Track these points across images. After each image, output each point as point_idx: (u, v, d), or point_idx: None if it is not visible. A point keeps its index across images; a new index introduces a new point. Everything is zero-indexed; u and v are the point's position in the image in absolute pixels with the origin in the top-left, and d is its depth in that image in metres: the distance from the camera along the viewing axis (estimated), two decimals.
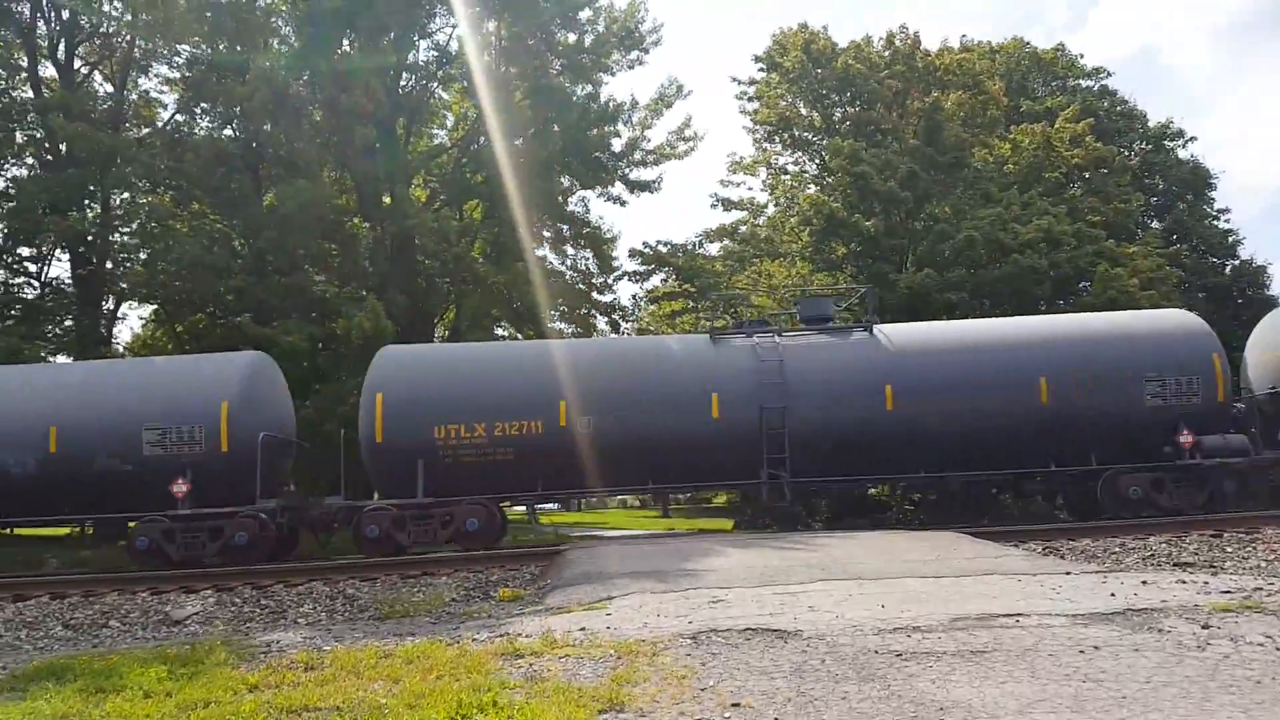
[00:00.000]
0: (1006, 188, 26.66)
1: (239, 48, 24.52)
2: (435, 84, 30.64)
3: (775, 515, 17.86)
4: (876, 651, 5.88)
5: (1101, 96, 38.41)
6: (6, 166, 27.33)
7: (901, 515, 23.34)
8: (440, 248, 24.83)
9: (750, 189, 34.99)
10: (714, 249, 32.17)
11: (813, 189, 29.91)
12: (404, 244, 25.96)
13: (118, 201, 24.88)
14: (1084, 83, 39.00)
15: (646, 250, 30.10)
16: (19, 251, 26.97)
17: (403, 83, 28.64)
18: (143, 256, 23.89)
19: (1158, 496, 15.52)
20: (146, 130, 26.72)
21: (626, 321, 31.04)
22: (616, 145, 29.39)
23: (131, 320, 36.20)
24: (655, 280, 30.69)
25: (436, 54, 29.37)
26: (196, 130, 24.87)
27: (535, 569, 12.62)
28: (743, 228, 31.80)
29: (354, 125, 23.21)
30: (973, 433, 15.72)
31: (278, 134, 24.85)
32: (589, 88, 28.27)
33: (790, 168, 31.56)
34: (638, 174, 30.07)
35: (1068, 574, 9.31)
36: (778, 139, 30.75)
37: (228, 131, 24.86)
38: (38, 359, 21.11)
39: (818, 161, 30.65)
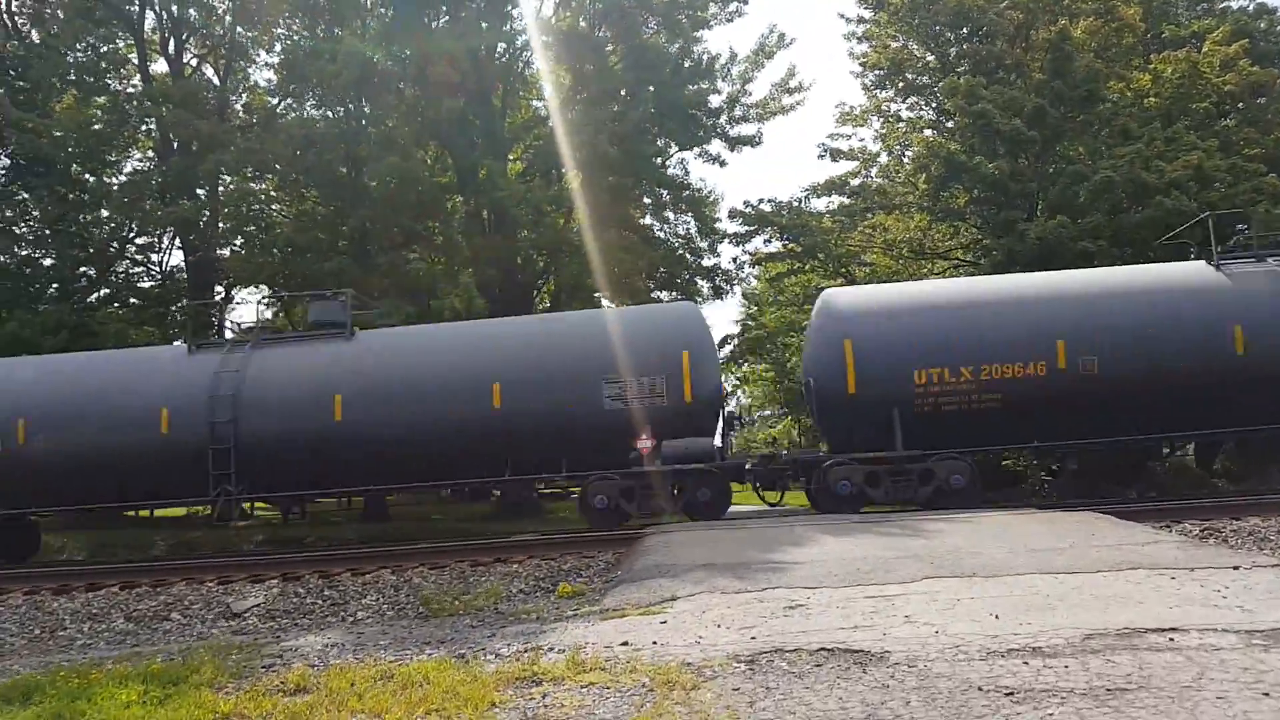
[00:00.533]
0: (1147, 123, 23.76)
1: (336, 30, 24.26)
2: (530, 53, 29.77)
3: None
4: (980, 688, 4.49)
5: (1257, 16, 34.12)
6: (124, 160, 28.02)
7: (1037, 487, 21.27)
8: (534, 219, 24.01)
9: (862, 140, 32.89)
10: (821, 205, 30.26)
11: (929, 134, 27.57)
12: (499, 217, 25.25)
13: (222, 188, 25.04)
14: (1235, 2, 34.80)
15: (748, 209, 28.48)
16: (137, 241, 27.71)
17: (497, 54, 27.88)
18: (240, 241, 24.02)
19: None
20: (247, 117, 26.84)
21: (730, 286, 29.54)
22: (714, 101, 27.86)
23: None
24: (758, 241, 29.04)
25: (530, 22, 28.50)
26: (290, 114, 24.73)
27: (614, 556, 11.56)
28: (854, 180, 29.71)
29: (442, 98, 22.53)
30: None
31: (370, 112, 24.52)
32: (682, 42, 26.77)
33: (904, 114, 29.27)
34: (738, 130, 28.47)
35: (1235, 568, 7.56)
36: (889, 85, 28.51)
37: (318, 112, 24.65)
38: (144, 343, 21.35)
39: (934, 105, 28.24)
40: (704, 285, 29.65)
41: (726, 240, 30.09)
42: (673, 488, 14.14)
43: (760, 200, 29.08)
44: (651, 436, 14.02)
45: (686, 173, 29.73)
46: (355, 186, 22.93)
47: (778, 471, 15.04)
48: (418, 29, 24.02)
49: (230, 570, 12.78)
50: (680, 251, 29.55)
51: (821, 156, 30.28)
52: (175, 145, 26.37)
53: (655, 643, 5.97)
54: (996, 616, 6.04)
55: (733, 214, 29.29)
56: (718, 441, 14.77)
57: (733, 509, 24.85)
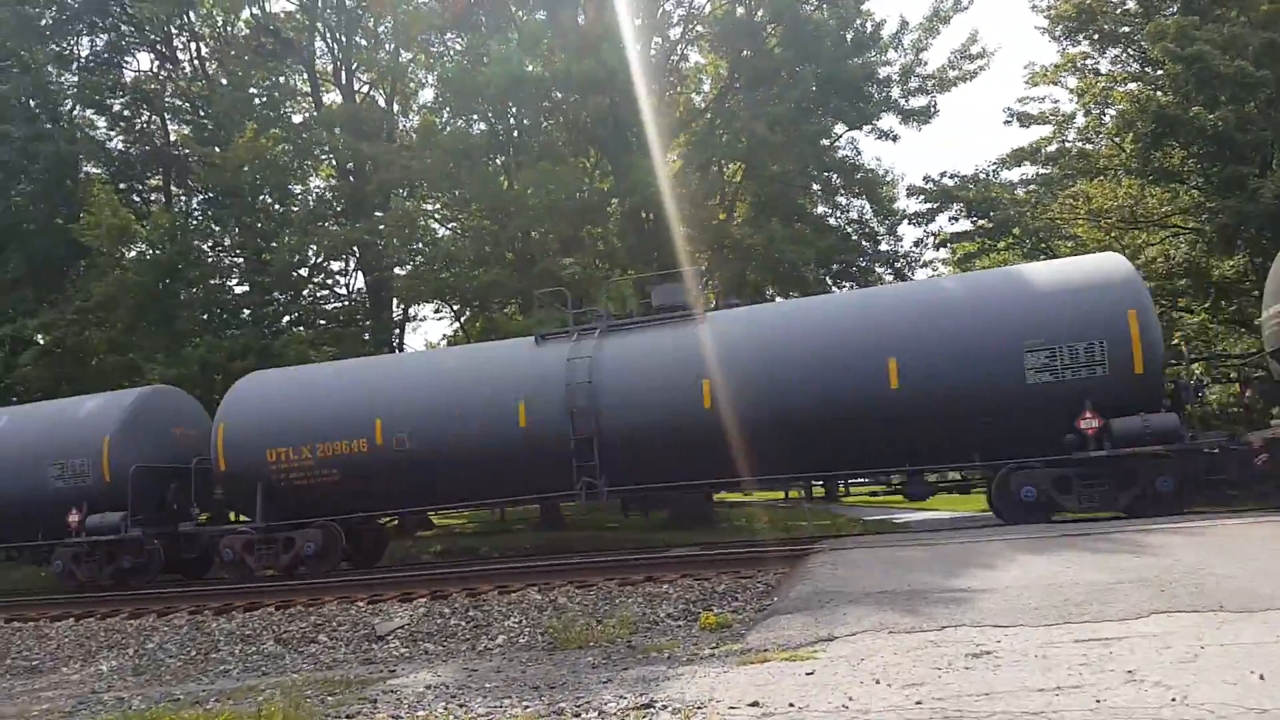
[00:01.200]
0: None
1: (488, 42, 24.27)
2: (685, 45, 28.86)
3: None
4: None
5: None
6: (306, 187, 29.30)
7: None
8: (690, 213, 23.01)
9: (1055, 101, 29.73)
10: (1013, 176, 27.50)
11: (1133, 87, 24.37)
12: (656, 215, 24.41)
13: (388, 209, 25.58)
14: None
15: (929, 185, 26.22)
16: (325, 265, 28.86)
17: (652, 51, 27.12)
18: (408, 258, 24.40)
19: None
20: (410, 136, 27.36)
21: (913, 270, 27.34)
22: (884, 73, 25.88)
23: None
24: (942, 220, 26.70)
25: (685, 13, 27.61)
26: (448, 129, 24.92)
27: (774, 577, 10.27)
28: (1048, 147, 26.80)
29: (589, 95, 21.94)
30: None
31: (525, 122, 24.35)
32: (843, 13, 25.00)
33: (1103, 68, 26.08)
34: (912, 103, 26.31)
35: None
36: (1083, 37, 25.50)
37: (474, 126, 24.72)
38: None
39: (1137, 54, 24.98)
40: (883, 272, 27.64)
41: (906, 221, 27.96)
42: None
43: (942, 175, 26.74)
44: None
45: (858, 152, 27.88)
46: (513, 196, 22.73)
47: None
48: (567, 29, 23.57)
49: (383, 588, 12.44)
50: (855, 238, 27.66)
51: (1008, 122, 27.54)
52: (350, 170, 27.22)
53: (793, 705, 4.72)
54: (1261, 676, 4.40)
55: (911, 191, 27.15)
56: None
57: (922, 515, 22.99)
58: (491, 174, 23.36)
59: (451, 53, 26.30)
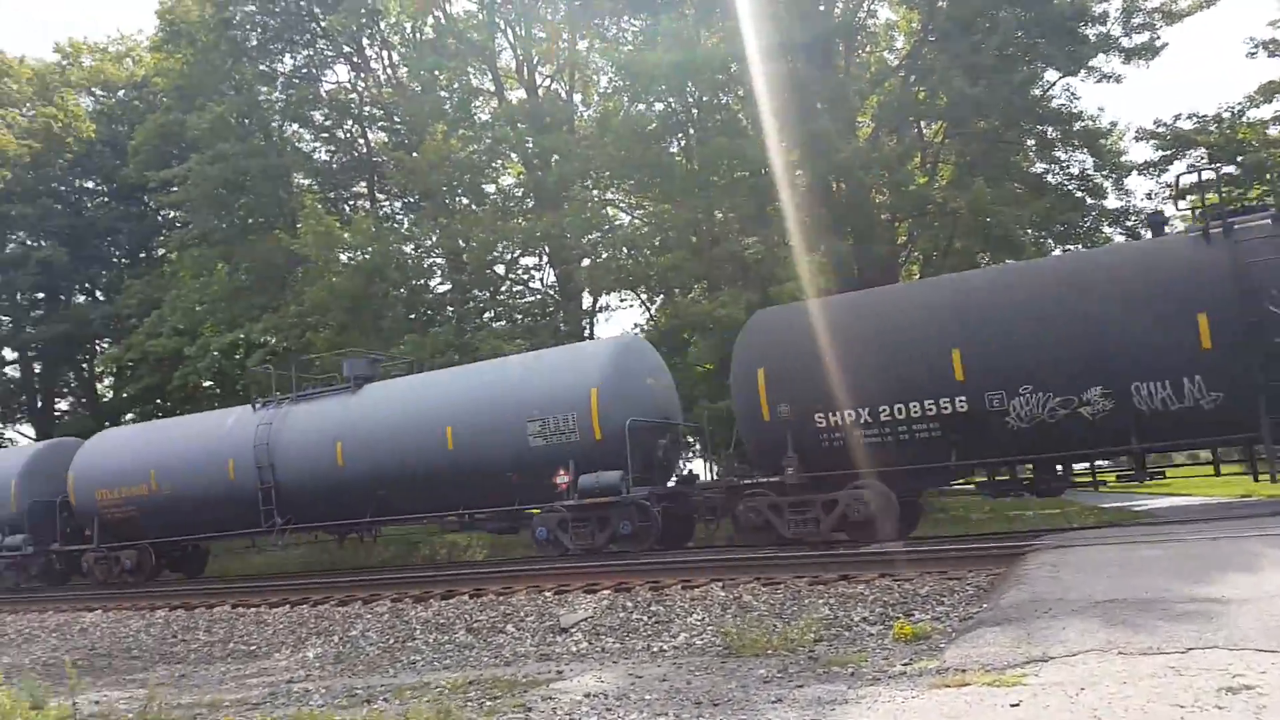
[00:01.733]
0: None
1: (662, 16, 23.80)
2: (873, 1, 27.18)
3: None
4: None
5: None
6: (496, 184, 30.03)
7: None
8: (884, 180, 21.62)
9: None
10: (1265, 114, 23.91)
11: None
12: (848, 184, 23.13)
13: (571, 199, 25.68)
14: None
15: (1162, 130, 23.28)
16: (521, 261, 29.54)
17: (837, 9, 25.73)
18: (590, 247, 24.40)
19: None
20: (588, 125, 27.41)
21: (1146, 228, 24.33)
22: (1099, 9, 23.20)
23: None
24: (1180, 167, 23.60)
25: None
26: (622, 113, 24.69)
27: (986, 579, 9.14)
28: None
29: (768, 64, 21.00)
30: None
31: (704, 100, 23.70)
32: None
33: None
34: (1135, 40, 23.42)
35: None
36: None
37: (651, 108, 24.33)
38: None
39: None
40: (1112, 231, 24.89)
41: (1135, 173, 24.99)
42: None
43: (1176, 117, 23.69)
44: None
45: (1075, 100, 25.18)
46: (690, 176, 22.21)
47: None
48: None
49: (570, 578, 12.26)
50: (1079, 194, 25.01)
51: (1253, 54, 24.00)
52: (535, 164, 27.60)
53: None
54: None
55: (1141, 136, 24.22)
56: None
57: (1177, 502, 20.36)
58: (669, 156, 22.90)
59: (627, 35, 26.04)
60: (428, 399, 16.21)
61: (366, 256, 24.75)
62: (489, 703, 6.37)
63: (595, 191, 26.11)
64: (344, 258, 25.09)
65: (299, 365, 25.99)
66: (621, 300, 27.41)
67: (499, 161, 29.33)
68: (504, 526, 16.03)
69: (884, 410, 12.14)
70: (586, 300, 28.01)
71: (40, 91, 34.97)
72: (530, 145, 26.68)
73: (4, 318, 34.59)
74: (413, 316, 25.98)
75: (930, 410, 11.86)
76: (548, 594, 11.49)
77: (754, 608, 9.53)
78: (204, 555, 21.45)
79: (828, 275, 22.15)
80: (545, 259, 28.25)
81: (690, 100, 23.44)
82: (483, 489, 15.12)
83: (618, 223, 25.25)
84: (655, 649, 8.51)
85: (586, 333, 26.97)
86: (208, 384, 29.71)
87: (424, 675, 8.63)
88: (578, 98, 28.91)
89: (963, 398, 11.67)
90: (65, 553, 19.62)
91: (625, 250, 23.33)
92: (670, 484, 14.88)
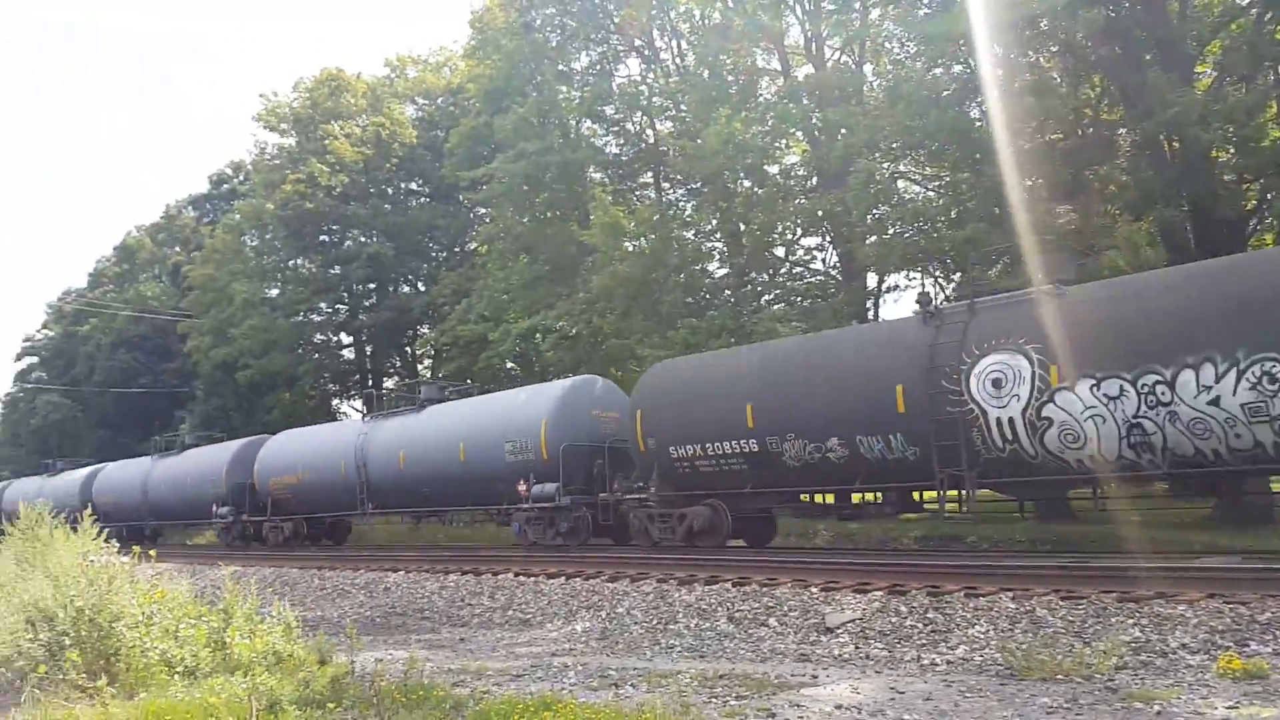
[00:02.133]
0: None
1: None
2: None
3: None
4: None
5: None
6: (780, 164, 29.48)
7: None
8: (1229, 136, 18.53)
9: None
10: None
11: None
12: (1182, 141, 20.11)
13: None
14: None
15: None
16: (801, 242, 28.87)
17: None
18: (874, 223, 23.09)
19: None
20: (876, 95, 26.04)
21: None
22: None
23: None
24: None
25: None
26: (913, 78, 23.06)
27: None
28: None
29: (1084, 6, 18.66)
30: None
31: (1008, 56, 21.56)
32: None
33: None
34: None
35: None
36: None
37: (941, 71, 22.52)
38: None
39: None
40: None
41: None
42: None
43: None
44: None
45: None
46: (987, 144, 20.29)
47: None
48: None
49: (840, 574, 11.58)
50: None
51: None
52: (820, 140, 26.71)
53: None
54: None
55: None
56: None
57: None
58: (967, 120, 21.06)
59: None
60: (451, 421, 20.09)
61: (648, 244, 25.20)
62: (733, 702, 5.98)
63: (887, 165, 24.80)
64: (628, 246, 25.72)
65: (587, 348, 27.26)
66: (909, 279, 25.87)
67: (782, 141, 28.74)
68: (500, 521, 20.13)
69: (710, 447, 14.90)
70: (871, 280, 26.78)
71: (373, 103, 39.22)
72: (816, 120, 25.85)
73: (342, 306, 39.28)
74: (690, 300, 26.12)
75: (736, 449, 14.57)
76: (814, 590, 10.90)
77: (1048, 623, 8.39)
78: (347, 527, 25.72)
79: (1155, 246, 19.47)
80: (827, 238, 27.34)
81: (995, 58, 21.43)
82: (482, 491, 18.74)
83: (906, 196, 23.71)
84: (926, 661, 7.68)
85: (871, 314, 25.76)
86: (510, 365, 31.86)
87: (678, 662, 8.41)
88: (868, 68, 27.57)
89: (754, 440, 14.29)
90: (254, 521, 25.24)
91: (915, 225, 21.82)
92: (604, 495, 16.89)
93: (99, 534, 6.78)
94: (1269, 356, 10.17)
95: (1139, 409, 11.07)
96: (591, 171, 30.68)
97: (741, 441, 14.49)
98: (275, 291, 39.28)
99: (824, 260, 28.61)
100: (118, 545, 7.07)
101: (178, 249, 53.21)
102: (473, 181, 32.11)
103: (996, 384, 12.13)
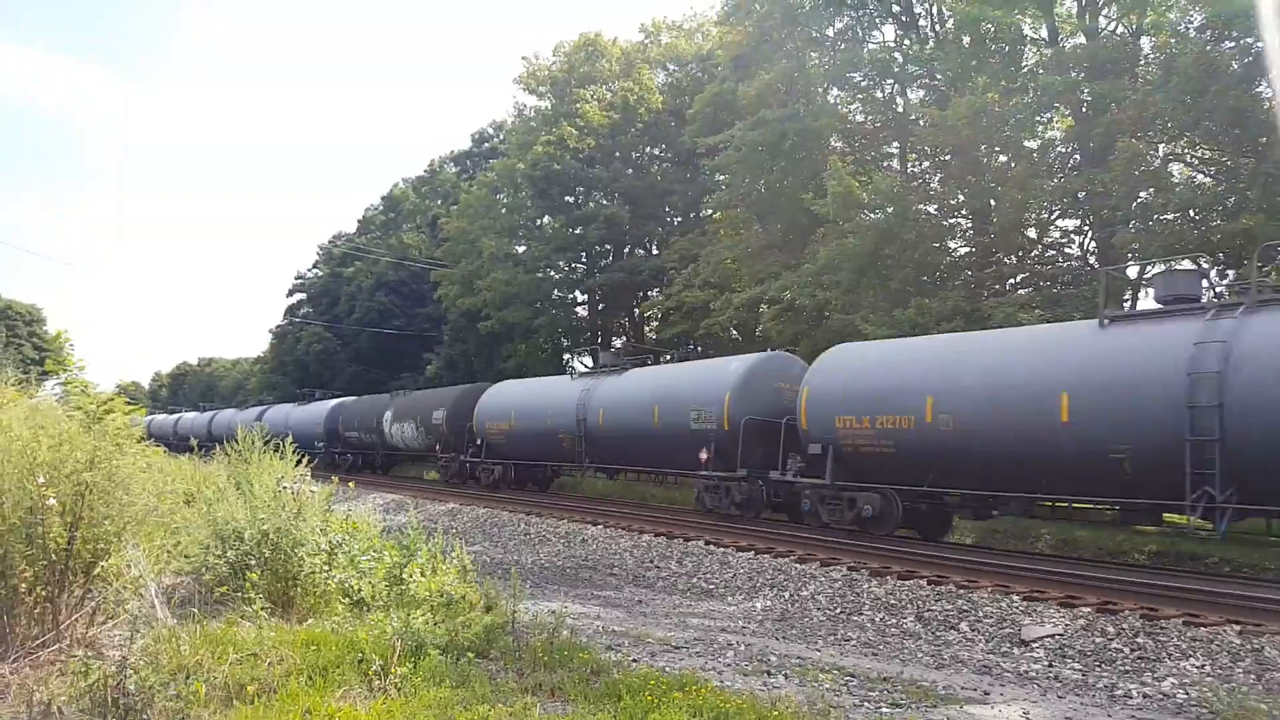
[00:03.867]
0: None
1: None
2: None
3: None
4: None
5: None
6: (1043, 141, 27.28)
7: None
8: None
9: None
10: None
11: None
12: None
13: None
14: None
15: None
16: (1059, 224, 26.61)
17: None
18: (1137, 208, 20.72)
19: None
20: (1150, 67, 23.31)
21: None
22: None
23: None
24: None
25: None
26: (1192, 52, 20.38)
27: None
28: None
29: None
30: None
31: None
32: None
33: None
34: None
35: None
36: None
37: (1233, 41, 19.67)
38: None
39: None
40: None
41: None
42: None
43: None
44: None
45: None
46: (1273, 126, 17.64)
47: None
48: None
49: (1047, 584, 10.64)
50: None
51: None
52: (1086, 115, 24.37)
53: None
54: None
55: None
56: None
57: None
58: (1250, 99, 18.42)
59: None
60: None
61: (884, 217, 24.10)
62: (886, 709, 5.61)
63: (1161, 146, 22.26)
64: (862, 218, 24.71)
65: (810, 321, 26.60)
66: (1171, 270, 23.07)
67: (1045, 115, 26.48)
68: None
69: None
70: (1132, 270, 24.20)
71: (625, 68, 40.01)
72: (1084, 93, 23.57)
73: (579, 265, 40.67)
74: (924, 279, 24.77)
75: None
76: (1015, 598, 10.08)
77: (1276, 666, 7.26)
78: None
79: None
80: (1086, 221, 25.00)
81: None
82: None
83: (1176, 180, 21.14)
84: (1120, 691, 6.86)
85: (1128, 304, 23.34)
86: (734, 333, 31.80)
87: (847, 656, 8.04)
88: (1145, 41, 24.74)
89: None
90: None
91: (1185, 213, 19.43)
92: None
93: (299, 460, 7.36)
94: None
95: None
96: (833, 140, 29.70)
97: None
98: (521, 248, 41.27)
99: (1081, 245, 26.27)
100: (343, 472, 7.67)
101: (438, 201, 57.20)
102: (711, 148, 32.08)
103: None
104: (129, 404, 6.09)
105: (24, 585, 5.29)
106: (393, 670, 4.84)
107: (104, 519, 5.52)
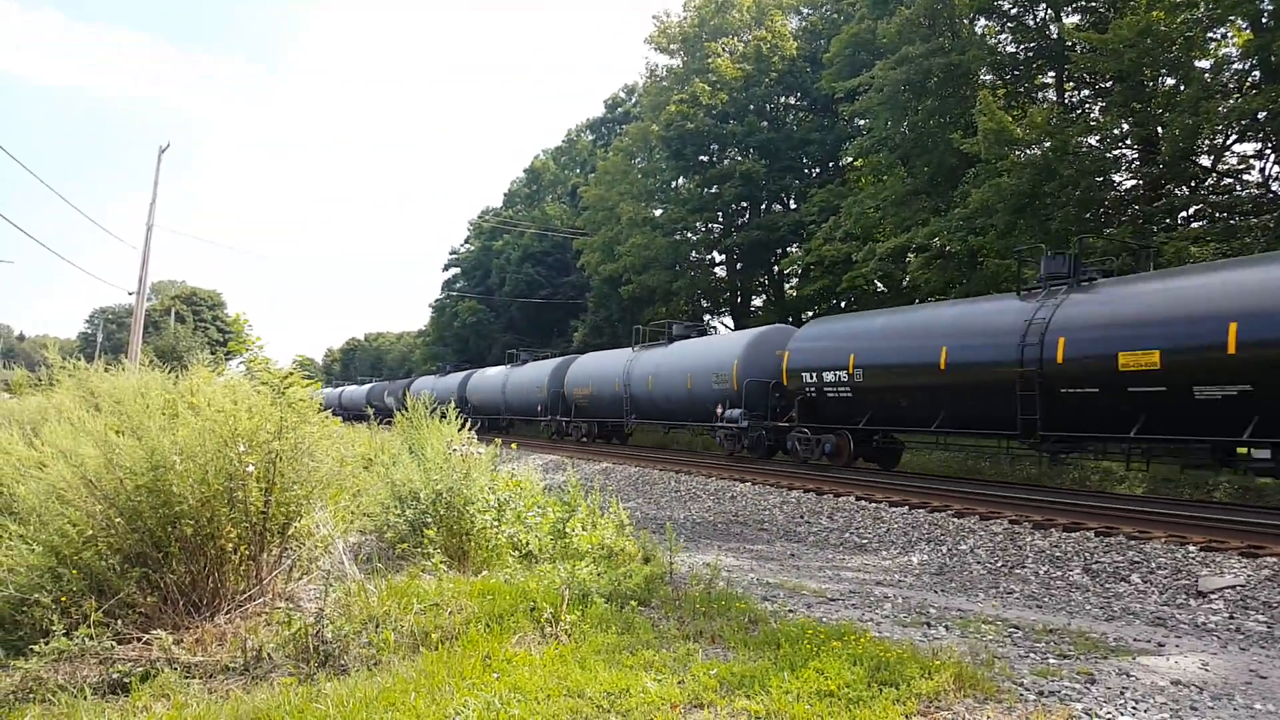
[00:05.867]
0: None
1: None
2: None
3: None
4: None
5: None
6: (1216, 60, 25.17)
7: None
8: None
9: None
10: None
11: None
12: None
13: None
14: None
15: None
16: (1236, 149, 24.60)
17: None
18: None
19: None
20: None
21: None
22: None
23: None
24: None
25: None
26: None
27: None
28: None
29: None
30: None
31: None
32: None
33: None
34: None
35: None
36: None
37: None
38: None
39: None
40: None
41: None
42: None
43: None
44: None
45: None
46: None
47: None
48: None
49: (1227, 535, 10.05)
50: None
51: None
52: (1269, 27, 22.24)
53: None
54: None
55: None
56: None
57: None
58: None
59: None
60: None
61: (1041, 153, 22.83)
62: (1053, 660, 5.49)
63: None
64: (1017, 155, 23.49)
65: (962, 267, 25.61)
66: None
67: (1219, 29, 24.34)
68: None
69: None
70: None
71: (757, 17, 39.21)
72: (1264, 1, 21.53)
73: (716, 225, 40.45)
74: (1087, 216, 23.37)
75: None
76: (1192, 548, 9.57)
77: None
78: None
79: None
80: (1269, 144, 22.94)
81: None
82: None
83: None
84: None
85: None
86: (879, 286, 30.98)
87: (1010, 609, 7.86)
88: None
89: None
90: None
91: None
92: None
93: (463, 425, 7.77)
94: None
95: None
96: (982, 74, 28.24)
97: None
98: (659, 212, 41.41)
99: (1262, 170, 24.14)
100: (475, 435, 8.10)
101: (577, 170, 57.99)
102: (850, 92, 31.12)
103: None
104: (306, 379, 6.56)
105: (229, 545, 5.85)
106: (562, 617, 5.11)
107: (293, 484, 6.03)
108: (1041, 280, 15.49)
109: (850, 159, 35.45)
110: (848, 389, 18.13)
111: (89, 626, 5.03)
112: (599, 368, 29.61)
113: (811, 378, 19.17)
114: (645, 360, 26.64)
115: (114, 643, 5.08)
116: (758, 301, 41.60)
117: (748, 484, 16.50)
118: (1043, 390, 13.62)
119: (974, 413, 15.28)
